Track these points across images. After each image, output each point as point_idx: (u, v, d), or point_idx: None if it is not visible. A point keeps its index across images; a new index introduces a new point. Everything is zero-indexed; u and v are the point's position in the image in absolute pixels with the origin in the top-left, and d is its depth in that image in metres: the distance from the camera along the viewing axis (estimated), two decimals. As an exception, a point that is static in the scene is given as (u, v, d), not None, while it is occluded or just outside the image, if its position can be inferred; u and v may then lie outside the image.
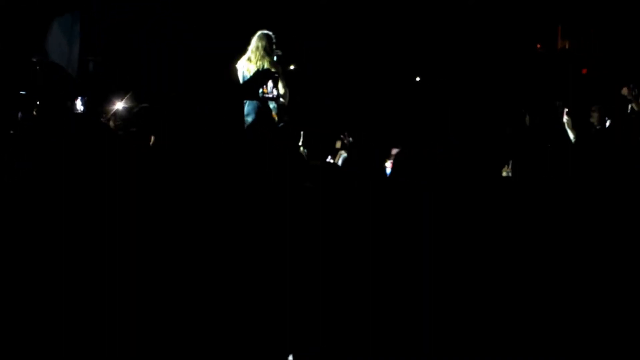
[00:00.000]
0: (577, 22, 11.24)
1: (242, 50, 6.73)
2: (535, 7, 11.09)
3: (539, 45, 11.47)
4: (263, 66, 6.45)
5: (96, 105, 5.57)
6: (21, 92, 4.98)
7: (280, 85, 6.56)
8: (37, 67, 5.23)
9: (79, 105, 5.49)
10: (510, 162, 5.44)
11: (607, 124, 7.41)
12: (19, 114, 5.01)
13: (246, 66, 6.57)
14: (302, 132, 6.20)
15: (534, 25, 11.19)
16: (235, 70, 6.45)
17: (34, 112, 4.92)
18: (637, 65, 9.72)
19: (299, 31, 10.09)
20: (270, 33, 6.67)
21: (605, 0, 10.92)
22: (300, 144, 6.15)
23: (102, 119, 5.58)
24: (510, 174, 5.44)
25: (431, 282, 3.55)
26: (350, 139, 7.50)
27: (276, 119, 6.35)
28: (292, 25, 9.57)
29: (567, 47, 11.19)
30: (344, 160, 5.86)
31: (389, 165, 5.36)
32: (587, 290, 3.67)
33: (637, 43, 10.39)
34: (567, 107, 6.92)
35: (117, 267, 3.35)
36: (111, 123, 5.62)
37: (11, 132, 4.56)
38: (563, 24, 11.38)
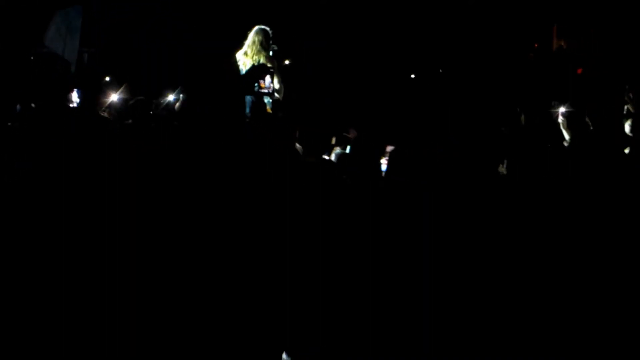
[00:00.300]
0: (574, 22, 11.25)
1: (242, 51, 6.78)
2: (531, 6, 11.12)
3: (536, 45, 11.48)
4: (259, 61, 6.51)
5: (92, 99, 5.59)
6: (19, 85, 5.01)
7: (275, 80, 6.60)
8: (32, 58, 5.26)
9: (74, 97, 5.51)
10: (505, 162, 5.44)
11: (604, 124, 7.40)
12: (17, 107, 5.04)
13: (242, 60, 6.62)
14: (297, 129, 6.21)
15: (529, 24, 11.21)
16: (236, 66, 6.49)
17: (32, 105, 4.95)
18: (636, 65, 9.71)
19: (299, 31, 10.11)
20: (267, 28, 6.72)
21: (604, 0, 10.94)
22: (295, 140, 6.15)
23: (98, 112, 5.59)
24: (504, 173, 5.44)
25: (431, 281, 3.57)
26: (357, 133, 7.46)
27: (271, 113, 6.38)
28: (292, 25, 9.58)
29: (562, 46, 11.19)
30: (337, 156, 5.85)
31: (384, 162, 5.36)
32: (585, 290, 3.70)
33: (637, 43, 10.38)
34: (562, 107, 6.93)
35: (117, 266, 3.37)
36: (106, 115, 5.63)
37: (9, 124, 4.59)
38: (559, 24, 11.39)
